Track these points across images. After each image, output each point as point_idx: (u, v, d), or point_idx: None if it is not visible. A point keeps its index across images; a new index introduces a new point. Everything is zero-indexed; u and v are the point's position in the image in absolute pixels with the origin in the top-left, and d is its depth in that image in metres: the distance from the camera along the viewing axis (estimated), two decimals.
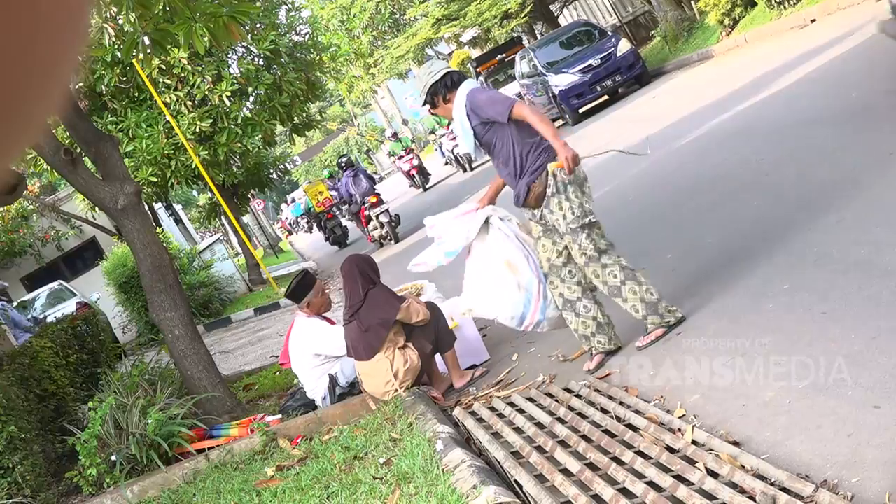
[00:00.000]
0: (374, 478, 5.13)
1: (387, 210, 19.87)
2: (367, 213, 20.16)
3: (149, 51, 8.05)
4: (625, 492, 3.90)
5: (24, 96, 0.56)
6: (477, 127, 5.99)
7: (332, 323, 7.77)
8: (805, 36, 14.73)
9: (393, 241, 19.66)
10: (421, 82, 6.40)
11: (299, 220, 47.79)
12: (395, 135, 29.93)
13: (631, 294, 5.82)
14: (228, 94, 18.80)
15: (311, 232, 40.55)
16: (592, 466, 4.32)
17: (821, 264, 5.50)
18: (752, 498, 3.45)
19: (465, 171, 26.57)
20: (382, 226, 19.83)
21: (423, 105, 6.42)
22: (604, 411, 5.01)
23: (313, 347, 7.59)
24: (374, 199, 19.97)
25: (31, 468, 7.27)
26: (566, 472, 4.36)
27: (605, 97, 22.20)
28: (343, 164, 21.98)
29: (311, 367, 7.65)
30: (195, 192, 44.75)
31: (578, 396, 5.44)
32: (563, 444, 4.78)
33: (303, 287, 7.78)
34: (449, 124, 20.08)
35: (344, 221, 24.97)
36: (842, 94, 9.75)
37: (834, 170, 7.25)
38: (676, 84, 18.92)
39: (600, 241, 5.91)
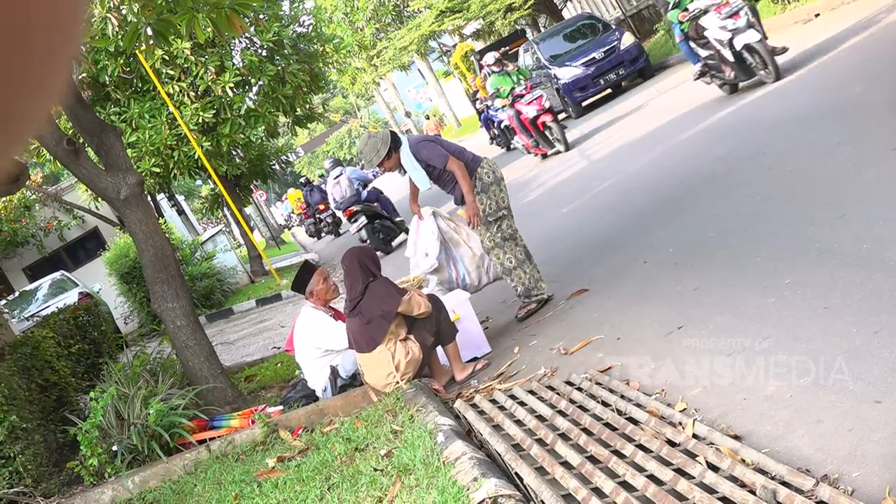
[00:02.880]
0: (375, 469, 5.13)
1: (332, 213, 29.13)
2: (317, 216, 31.10)
3: (151, 41, 8.05)
4: (625, 485, 3.91)
5: (25, 88, 0.56)
6: (425, 167, 7.80)
7: (340, 316, 7.77)
8: (809, 30, 14.71)
9: (334, 236, 30.20)
10: (371, 147, 7.87)
11: (291, 215, 52.56)
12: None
13: (517, 277, 7.86)
14: (231, 85, 18.80)
15: (301, 225, 45.27)
16: (593, 459, 4.32)
17: (823, 259, 5.49)
18: (752, 492, 3.45)
19: (508, 149, 23.12)
20: (328, 225, 30.56)
21: (378, 165, 7.91)
22: (605, 404, 5.01)
23: (315, 340, 7.61)
24: (322, 207, 29.98)
25: (33, 458, 7.29)
26: (567, 464, 4.37)
27: (609, 90, 22.18)
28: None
29: (312, 359, 7.67)
30: (198, 183, 44.75)
31: (579, 389, 5.44)
32: (564, 437, 4.79)
33: (303, 277, 7.81)
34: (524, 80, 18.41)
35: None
36: (845, 89, 9.74)
37: (836, 164, 7.25)
38: (680, 78, 18.87)
39: (507, 231, 7.86)
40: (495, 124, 22.93)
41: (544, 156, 17.77)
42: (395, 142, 7.83)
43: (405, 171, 7.96)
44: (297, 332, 7.83)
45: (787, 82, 11.44)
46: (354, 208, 18.22)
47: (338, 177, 18.62)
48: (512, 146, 18.75)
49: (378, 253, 17.95)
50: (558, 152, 17.23)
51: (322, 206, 30.29)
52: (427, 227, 8.25)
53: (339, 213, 19.68)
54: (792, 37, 14.77)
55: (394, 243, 18.08)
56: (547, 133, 17.29)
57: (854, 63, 10.53)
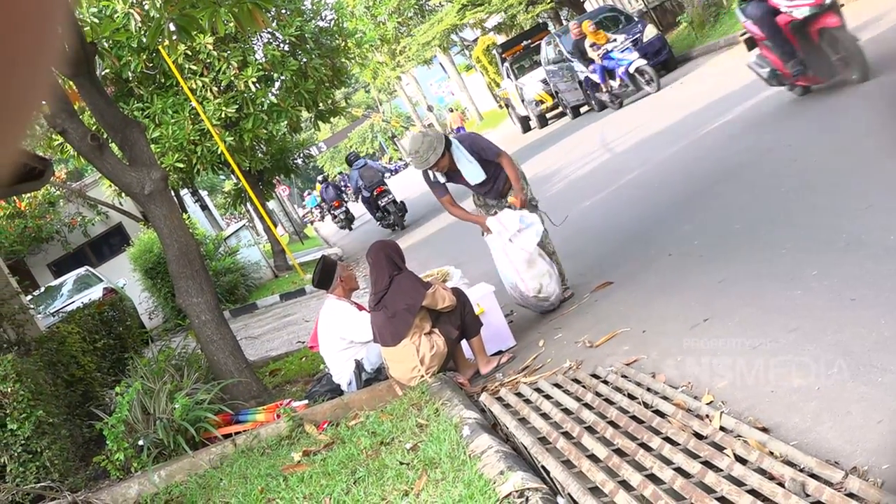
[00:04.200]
0: (401, 463, 5.13)
1: (346, 209, 32.11)
2: (332, 212, 33.31)
3: (174, 37, 8.08)
4: (653, 478, 3.89)
5: (13, 83, 0.56)
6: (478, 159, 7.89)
7: (363, 309, 7.78)
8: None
9: (348, 230, 31.90)
10: (428, 146, 7.76)
11: (314, 210, 55.08)
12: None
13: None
14: (254, 80, 18.86)
15: (322, 220, 49.03)
16: (620, 452, 4.31)
17: (850, 250, 5.45)
18: (781, 484, 3.43)
19: (621, 105, 20.36)
20: (341, 220, 32.23)
21: (433, 165, 7.82)
22: (631, 397, 4.99)
23: (340, 331, 7.61)
24: (336, 203, 32.08)
25: (59, 452, 7.32)
26: (594, 457, 4.36)
27: None
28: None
29: (337, 351, 7.67)
30: (221, 178, 44.95)
31: (605, 382, 5.42)
32: (591, 429, 4.77)
33: (327, 273, 7.81)
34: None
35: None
36: (869, 79, 9.64)
37: (862, 155, 7.19)
38: (703, 70, 18.80)
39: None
40: (618, 72, 19.76)
41: (806, 89, 10.13)
42: (447, 140, 7.89)
43: (445, 178, 7.99)
44: (322, 323, 7.83)
45: None
46: (383, 186, 22.13)
47: (362, 166, 22.50)
48: (764, 72, 10.44)
49: (395, 227, 22.06)
50: (843, 82, 9.50)
51: (336, 203, 32.58)
52: (507, 216, 7.86)
53: (366, 194, 22.15)
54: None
55: (405, 222, 22.05)
56: (826, 48, 9.36)
57: (878, 53, 10.38)
